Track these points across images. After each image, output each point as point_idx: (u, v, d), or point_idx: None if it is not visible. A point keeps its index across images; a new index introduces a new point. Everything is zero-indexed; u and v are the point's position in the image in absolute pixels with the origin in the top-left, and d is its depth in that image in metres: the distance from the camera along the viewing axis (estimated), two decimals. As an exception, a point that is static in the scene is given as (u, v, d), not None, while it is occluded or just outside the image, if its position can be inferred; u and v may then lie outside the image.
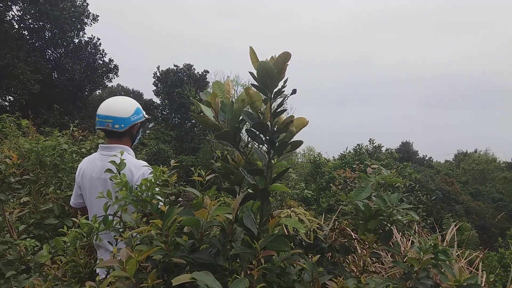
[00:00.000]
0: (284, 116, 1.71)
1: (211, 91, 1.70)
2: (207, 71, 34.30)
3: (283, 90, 1.61)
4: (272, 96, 1.59)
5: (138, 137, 2.82)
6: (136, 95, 51.53)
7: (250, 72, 1.64)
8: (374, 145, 25.09)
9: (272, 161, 1.65)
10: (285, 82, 1.64)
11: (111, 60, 28.93)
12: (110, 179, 1.81)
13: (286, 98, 1.74)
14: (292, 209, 2.33)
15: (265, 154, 1.61)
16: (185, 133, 30.75)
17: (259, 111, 1.58)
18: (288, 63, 1.62)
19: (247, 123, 1.62)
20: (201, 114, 1.51)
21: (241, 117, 1.57)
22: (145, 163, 2.47)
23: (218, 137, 1.45)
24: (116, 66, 29.24)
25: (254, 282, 1.33)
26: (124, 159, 1.96)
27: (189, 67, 34.27)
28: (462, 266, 2.99)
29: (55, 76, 27.86)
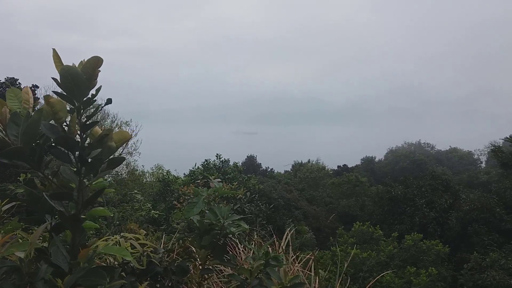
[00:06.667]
0: (99, 129, 1.50)
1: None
2: (36, 86, 30.31)
3: (94, 99, 1.41)
4: (81, 105, 1.37)
5: None
6: None
7: (53, 78, 1.40)
8: (221, 159, 25.80)
9: (86, 181, 1.42)
10: (97, 90, 1.44)
11: None
12: None
13: (100, 108, 1.54)
14: (121, 234, 2.10)
15: (75, 174, 1.38)
16: (10, 157, 26.40)
17: (64, 124, 1.34)
18: (100, 69, 1.43)
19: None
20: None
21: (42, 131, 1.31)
22: None
23: (5, 156, 1.16)
24: None
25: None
26: None
27: (12, 81, 29.74)
28: (297, 268, 3.18)
29: None
